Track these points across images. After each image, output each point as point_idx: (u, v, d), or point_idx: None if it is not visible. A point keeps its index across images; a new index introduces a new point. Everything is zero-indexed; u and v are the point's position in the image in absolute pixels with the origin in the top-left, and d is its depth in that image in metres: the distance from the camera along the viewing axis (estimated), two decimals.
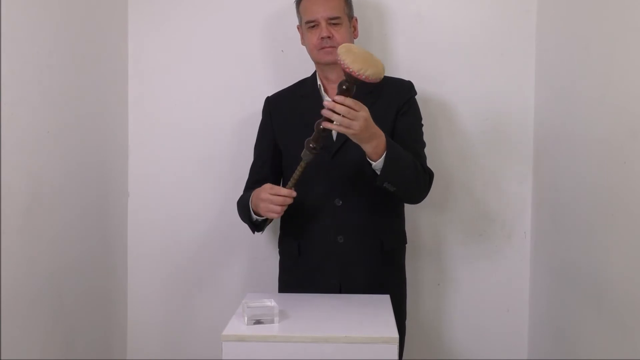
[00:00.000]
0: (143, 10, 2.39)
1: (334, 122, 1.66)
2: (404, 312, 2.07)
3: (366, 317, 1.66)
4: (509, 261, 2.36)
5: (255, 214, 1.91)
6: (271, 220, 1.93)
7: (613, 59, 1.71)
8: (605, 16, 1.76)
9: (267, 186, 1.84)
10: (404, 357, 2.07)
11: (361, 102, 1.69)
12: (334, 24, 1.96)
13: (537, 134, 2.30)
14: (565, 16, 2.06)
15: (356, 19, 2.07)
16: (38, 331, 1.84)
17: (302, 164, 1.78)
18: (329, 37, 1.94)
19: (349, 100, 1.66)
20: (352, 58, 1.65)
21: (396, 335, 1.50)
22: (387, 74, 2.15)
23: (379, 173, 1.80)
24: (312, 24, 1.97)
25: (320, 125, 1.70)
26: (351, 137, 1.73)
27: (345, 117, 1.65)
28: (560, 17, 2.12)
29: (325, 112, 1.67)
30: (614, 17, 1.71)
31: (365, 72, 1.64)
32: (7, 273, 1.66)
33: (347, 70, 1.64)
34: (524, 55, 2.31)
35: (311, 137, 1.74)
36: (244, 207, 1.97)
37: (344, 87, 1.67)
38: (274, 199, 1.81)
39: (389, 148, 1.77)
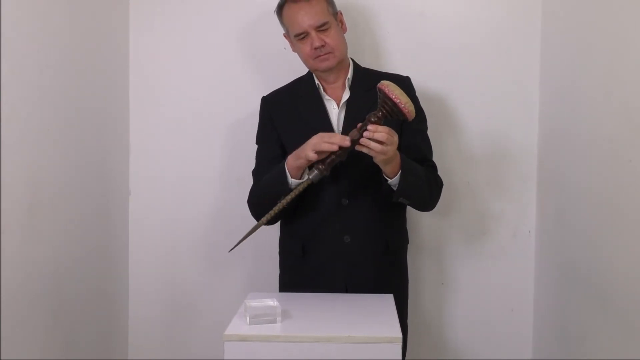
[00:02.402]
0: (144, 10, 2.39)
1: (369, 147, 1.69)
2: (406, 312, 2.06)
3: (369, 317, 1.66)
4: (514, 260, 2.35)
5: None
6: (309, 180, 1.78)
7: (618, 57, 1.69)
8: (610, 14, 1.75)
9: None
10: (407, 357, 2.06)
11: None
12: (323, 30, 1.92)
13: (541, 132, 2.29)
14: (570, 14, 2.05)
15: (341, 13, 2.01)
16: (38, 331, 1.83)
17: (305, 184, 1.77)
18: (322, 45, 1.92)
19: (386, 128, 1.70)
20: (400, 92, 1.69)
21: (399, 335, 1.49)
22: (389, 72, 2.16)
23: (394, 188, 1.82)
24: (301, 36, 1.93)
25: (338, 152, 1.73)
26: (378, 160, 1.74)
27: (383, 143, 1.68)
28: (565, 16, 2.10)
29: (364, 141, 1.69)
30: (618, 15, 1.70)
31: (409, 107, 1.69)
32: (7, 273, 1.66)
33: (395, 100, 1.68)
34: (528, 53, 2.29)
35: (325, 163, 1.74)
36: (273, 176, 1.87)
37: (379, 115, 1.71)
38: (325, 136, 1.75)
39: (403, 166, 1.79)
